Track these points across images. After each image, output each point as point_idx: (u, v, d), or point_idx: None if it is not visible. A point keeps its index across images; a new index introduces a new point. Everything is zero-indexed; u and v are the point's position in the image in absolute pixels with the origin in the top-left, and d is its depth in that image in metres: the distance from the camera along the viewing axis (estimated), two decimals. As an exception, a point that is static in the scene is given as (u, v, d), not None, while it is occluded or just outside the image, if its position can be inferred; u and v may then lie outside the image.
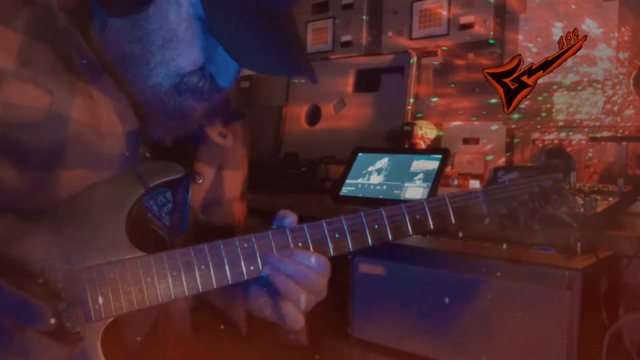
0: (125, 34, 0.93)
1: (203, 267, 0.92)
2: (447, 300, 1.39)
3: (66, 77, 0.91)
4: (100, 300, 0.86)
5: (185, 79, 0.94)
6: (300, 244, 0.96)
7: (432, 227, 1.02)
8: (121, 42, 0.94)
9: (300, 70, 0.96)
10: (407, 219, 1.01)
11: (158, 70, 0.93)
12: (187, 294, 0.91)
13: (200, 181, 1.10)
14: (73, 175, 0.91)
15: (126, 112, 0.96)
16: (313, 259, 0.94)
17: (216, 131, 1.13)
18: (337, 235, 0.97)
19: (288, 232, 0.96)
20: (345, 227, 0.98)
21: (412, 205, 1.02)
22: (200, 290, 0.92)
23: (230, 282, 0.94)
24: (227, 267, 0.93)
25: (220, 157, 1.15)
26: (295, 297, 0.94)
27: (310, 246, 0.96)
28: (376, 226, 0.99)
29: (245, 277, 0.94)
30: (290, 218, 0.96)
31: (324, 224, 0.97)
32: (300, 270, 0.93)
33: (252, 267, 0.94)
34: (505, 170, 1.10)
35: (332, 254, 0.97)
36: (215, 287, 0.93)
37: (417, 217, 1.01)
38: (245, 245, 0.94)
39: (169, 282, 0.90)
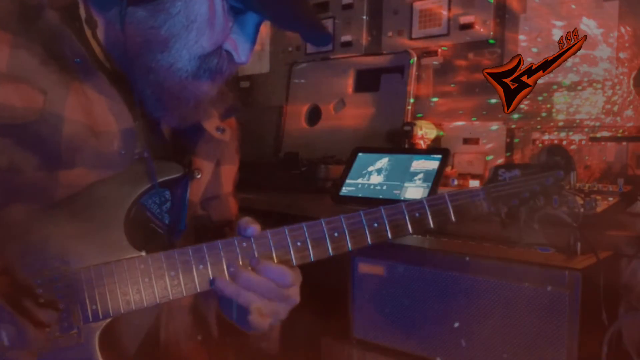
0: (147, 21, 0.92)
1: (201, 267, 0.91)
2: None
3: (59, 76, 0.91)
4: (98, 300, 0.86)
5: (206, 60, 0.94)
6: (299, 244, 0.95)
7: (432, 225, 1.02)
8: (142, 30, 0.93)
9: (321, 29, 0.97)
10: (407, 217, 1.00)
11: (181, 53, 0.93)
12: (185, 294, 0.91)
13: (199, 176, 1.09)
14: (70, 175, 0.91)
15: (121, 110, 0.96)
16: (276, 272, 0.93)
17: (214, 125, 1.12)
18: (336, 234, 0.97)
19: (287, 232, 0.95)
20: (344, 226, 0.97)
21: (412, 204, 1.01)
22: (199, 290, 0.91)
23: None
24: (225, 267, 0.93)
25: (218, 151, 1.15)
26: (255, 306, 0.92)
27: (309, 245, 0.96)
28: (375, 225, 0.99)
29: None
30: (252, 228, 0.94)
31: (323, 223, 0.97)
32: (260, 282, 0.92)
33: (249, 267, 0.94)
34: (505, 168, 1.09)
35: (331, 253, 0.97)
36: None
37: (417, 215, 1.01)
38: (244, 244, 0.94)
39: (167, 282, 0.90)
